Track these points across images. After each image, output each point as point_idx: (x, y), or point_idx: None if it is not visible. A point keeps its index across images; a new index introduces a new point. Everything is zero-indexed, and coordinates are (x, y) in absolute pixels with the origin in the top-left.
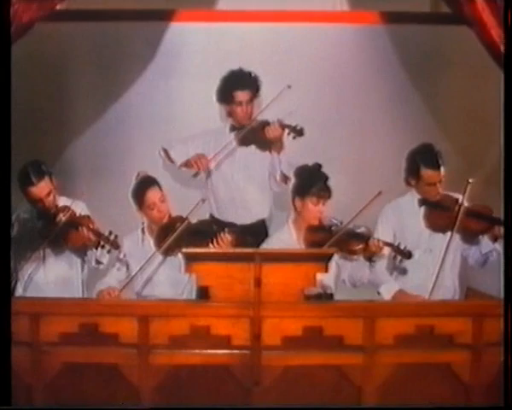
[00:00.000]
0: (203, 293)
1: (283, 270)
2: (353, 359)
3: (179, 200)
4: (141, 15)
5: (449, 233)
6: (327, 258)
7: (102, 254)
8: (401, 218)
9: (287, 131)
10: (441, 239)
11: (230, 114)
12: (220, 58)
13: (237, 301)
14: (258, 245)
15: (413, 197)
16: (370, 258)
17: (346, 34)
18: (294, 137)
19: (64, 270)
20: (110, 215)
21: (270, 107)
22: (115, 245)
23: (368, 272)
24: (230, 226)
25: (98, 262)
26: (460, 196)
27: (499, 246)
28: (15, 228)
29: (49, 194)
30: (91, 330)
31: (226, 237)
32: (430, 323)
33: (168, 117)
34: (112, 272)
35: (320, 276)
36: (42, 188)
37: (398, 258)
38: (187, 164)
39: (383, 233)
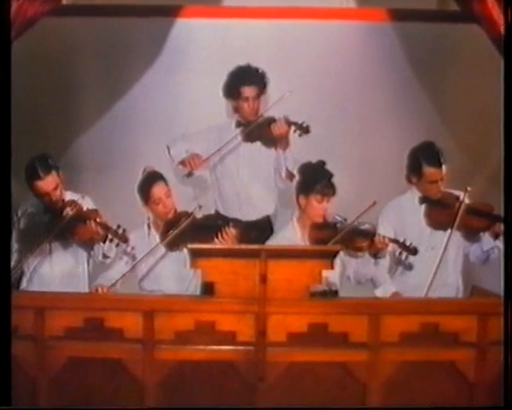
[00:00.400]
0: (208, 289)
1: (288, 266)
2: (358, 356)
3: (182, 197)
4: (146, 11)
5: (449, 231)
6: (332, 255)
7: (110, 248)
8: (402, 216)
9: (293, 128)
10: (442, 237)
11: (237, 109)
12: (226, 54)
13: (242, 298)
14: (263, 241)
15: (414, 195)
16: (376, 255)
17: (353, 31)
18: (300, 135)
19: (70, 264)
20: (116, 210)
21: (276, 103)
22: (124, 239)
23: (373, 269)
24: (235, 222)
25: (105, 256)
26: (461, 194)
27: (500, 243)
28: (22, 222)
29: (56, 188)
30: (96, 324)
31: (231, 231)
32: (435, 321)
33: (173, 113)
34: (119, 265)
35: (325, 273)
36: (49, 182)
37: (404, 254)
38: (182, 163)
39: (384, 231)
